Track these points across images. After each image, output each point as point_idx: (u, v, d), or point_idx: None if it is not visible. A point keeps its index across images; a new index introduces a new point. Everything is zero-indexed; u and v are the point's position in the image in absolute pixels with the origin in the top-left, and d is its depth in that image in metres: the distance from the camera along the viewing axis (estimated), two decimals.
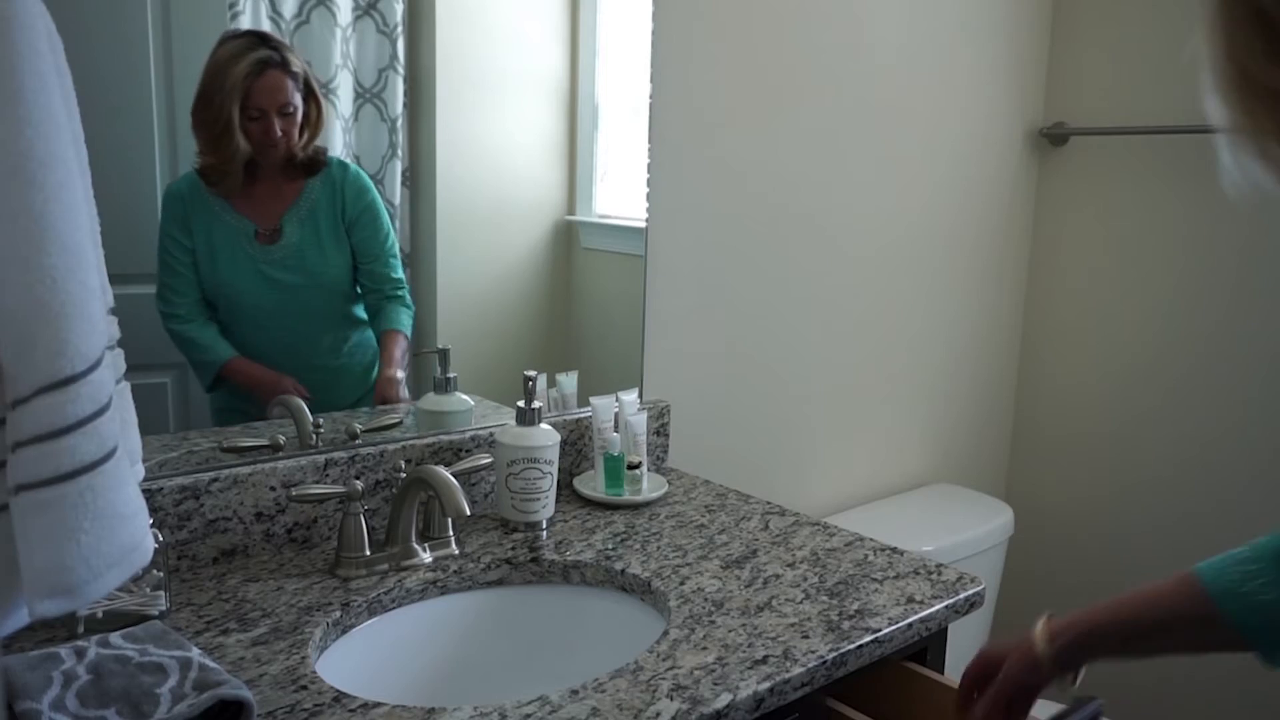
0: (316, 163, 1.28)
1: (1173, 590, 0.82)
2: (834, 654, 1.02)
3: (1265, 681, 2.02)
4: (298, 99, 1.23)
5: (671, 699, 0.92)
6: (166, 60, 1.13)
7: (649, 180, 1.57)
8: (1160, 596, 0.82)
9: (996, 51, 2.14)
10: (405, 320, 1.38)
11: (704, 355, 1.71)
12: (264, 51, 1.19)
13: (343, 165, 1.30)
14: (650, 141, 1.56)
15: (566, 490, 1.49)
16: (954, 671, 1.32)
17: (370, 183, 1.32)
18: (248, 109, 1.19)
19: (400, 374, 1.37)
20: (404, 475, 1.21)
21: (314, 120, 1.26)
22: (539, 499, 1.31)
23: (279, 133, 1.23)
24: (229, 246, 1.24)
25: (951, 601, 1.16)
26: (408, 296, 1.37)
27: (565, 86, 1.49)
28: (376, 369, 1.38)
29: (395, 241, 1.36)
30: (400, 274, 1.37)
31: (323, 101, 1.26)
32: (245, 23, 1.17)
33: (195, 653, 0.87)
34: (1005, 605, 2.31)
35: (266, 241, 1.26)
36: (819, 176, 1.84)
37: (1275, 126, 0.57)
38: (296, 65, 1.22)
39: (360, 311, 1.36)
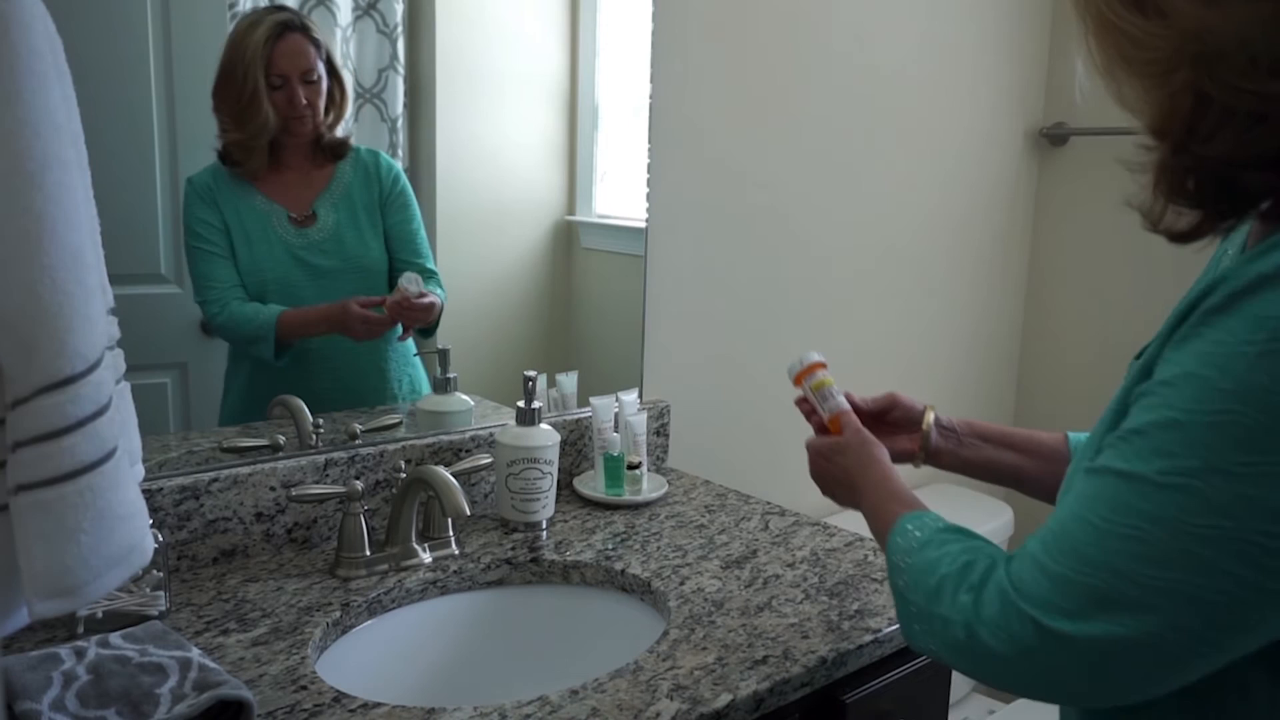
0: (343, 146, 1.26)
1: (1047, 434, 1.02)
2: (834, 654, 1.02)
3: None
4: (321, 68, 1.21)
5: (671, 699, 0.92)
6: (166, 60, 1.12)
7: (649, 180, 1.57)
8: (1035, 431, 1.03)
9: (996, 52, 2.14)
10: (440, 293, 1.36)
11: (704, 355, 1.71)
12: (283, 15, 1.18)
13: (372, 152, 1.29)
14: (650, 142, 1.56)
15: (566, 490, 1.49)
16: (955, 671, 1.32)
17: (401, 170, 1.32)
18: (270, 77, 1.17)
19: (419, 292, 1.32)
20: (404, 475, 1.21)
21: (338, 101, 1.23)
22: (539, 499, 1.31)
23: (303, 100, 1.20)
24: (262, 231, 1.22)
25: None
26: (441, 286, 1.36)
27: (565, 86, 1.49)
28: (413, 375, 1.37)
29: (424, 233, 1.35)
30: (433, 265, 1.36)
31: (345, 81, 1.23)
32: None
33: (195, 653, 0.87)
34: None
35: (301, 225, 1.24)
36: (819, 177, 1.84)
37: (1120, 69, 0.63)
38: (317, 33, 1.20)
39: None
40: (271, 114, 1.19)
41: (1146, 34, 0.60)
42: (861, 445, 0.97)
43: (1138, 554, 0.57)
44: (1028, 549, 0.64)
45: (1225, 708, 0.63)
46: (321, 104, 1.23)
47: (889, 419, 1.07)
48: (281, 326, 1.24)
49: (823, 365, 1.10)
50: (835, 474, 1.00)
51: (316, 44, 1.21)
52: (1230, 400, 0.55)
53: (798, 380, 1.11)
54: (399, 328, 1.35)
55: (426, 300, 1.32)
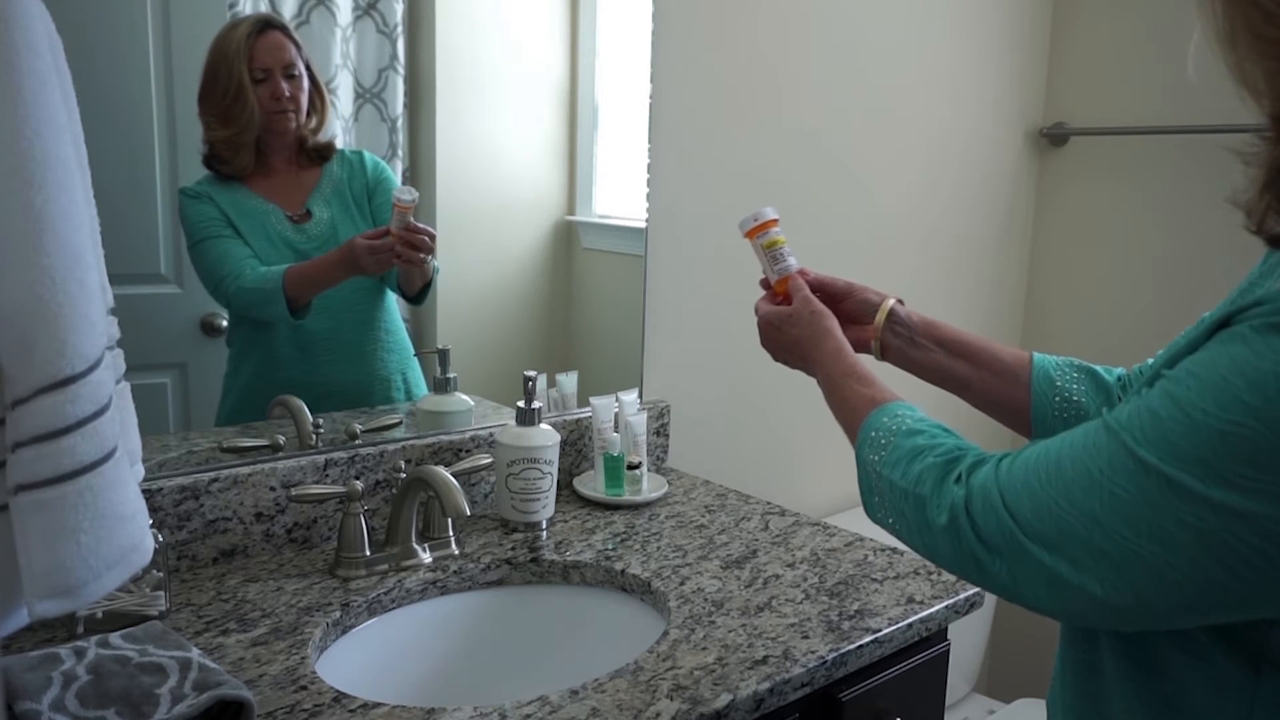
0: (329, 149, 1.28)
1: (1008, 350, 0.98)
2: (834, 654, 1.02)
3: None
4: (301, 65, 1.22)
5: (671, 699, 0.92)
6: (166, 60, 1.12)
7: (649, 180, 1.57)
8: (996, 345, 0.99)
9: (997, 51, 2.14)
10: (433, 261, 1.36)
11: (704, 355, 1.71)
12: (263, 14, 1.20)
13: (356, 151, 1.31)
14: (650, 141, 1.56)
15: (566, 490, 1.49)
16: (955, 671, 1.32)
17: (385, 164, 1.33)
18: (253, 70, 1.19)
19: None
20: (404, 475, 1.21)
21: (320, 107, 1.26)
22: (539, 499, 1.31)
23: (286, 93, 1.22)
24: (262, 229, 1.24)
25: (951, 602, 1.16)
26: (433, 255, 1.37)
27: (565, 86, 1.49)
28: (408, 374, 1.38)
29: None
30: None
31: (325, 90, 1.25)
32: None
33: (195, 653, 0.87)
34: (1005, 605, 2.31)
35: (298, 223, 1.26)
36: (819, 177, 1.84)
37: (1245, 41, 0.58)
38: (297, 36, 1.22)
39: (391, 302, 1.36)
40: (256, 107, 1.20)
41: None
42: (812, 316, 0.98)
43: (1121, 513, 0.59)
44: (1021, 459, 0.67)
45: (1184, 688, 0.66)
46: (304, 100, 1.24)
47: (842, 308, 1.03)
48: (290, 280, 1.25)
49: (775, 223, 1.03)
50: (785, 343, 1.00)
51: (297, 44, 1.23)
52: (1249, 415, 0.54)
53: (750, 235, 1.05)
54: (390, 306, 1.36)
55: (425, 229, 1.32)
